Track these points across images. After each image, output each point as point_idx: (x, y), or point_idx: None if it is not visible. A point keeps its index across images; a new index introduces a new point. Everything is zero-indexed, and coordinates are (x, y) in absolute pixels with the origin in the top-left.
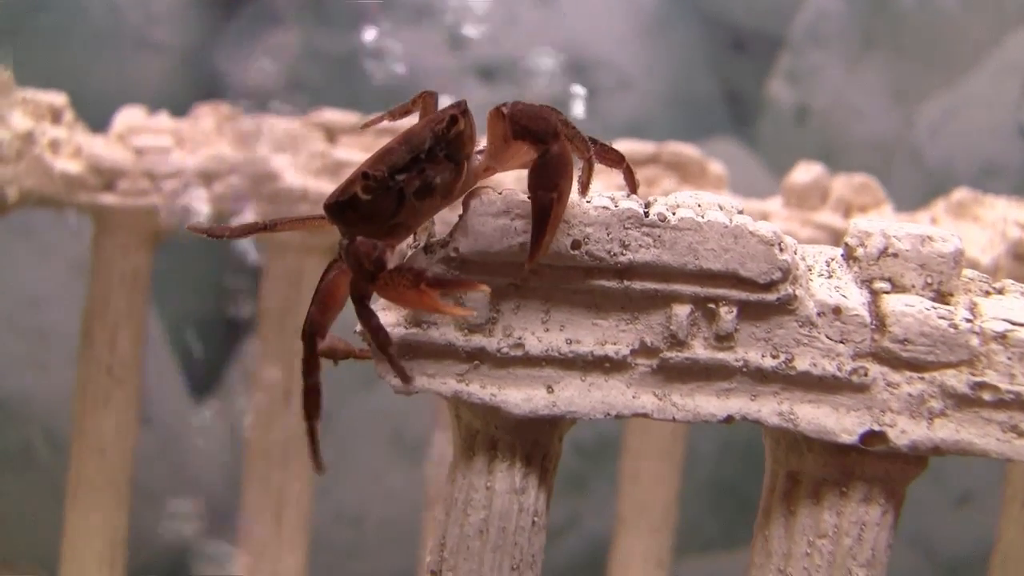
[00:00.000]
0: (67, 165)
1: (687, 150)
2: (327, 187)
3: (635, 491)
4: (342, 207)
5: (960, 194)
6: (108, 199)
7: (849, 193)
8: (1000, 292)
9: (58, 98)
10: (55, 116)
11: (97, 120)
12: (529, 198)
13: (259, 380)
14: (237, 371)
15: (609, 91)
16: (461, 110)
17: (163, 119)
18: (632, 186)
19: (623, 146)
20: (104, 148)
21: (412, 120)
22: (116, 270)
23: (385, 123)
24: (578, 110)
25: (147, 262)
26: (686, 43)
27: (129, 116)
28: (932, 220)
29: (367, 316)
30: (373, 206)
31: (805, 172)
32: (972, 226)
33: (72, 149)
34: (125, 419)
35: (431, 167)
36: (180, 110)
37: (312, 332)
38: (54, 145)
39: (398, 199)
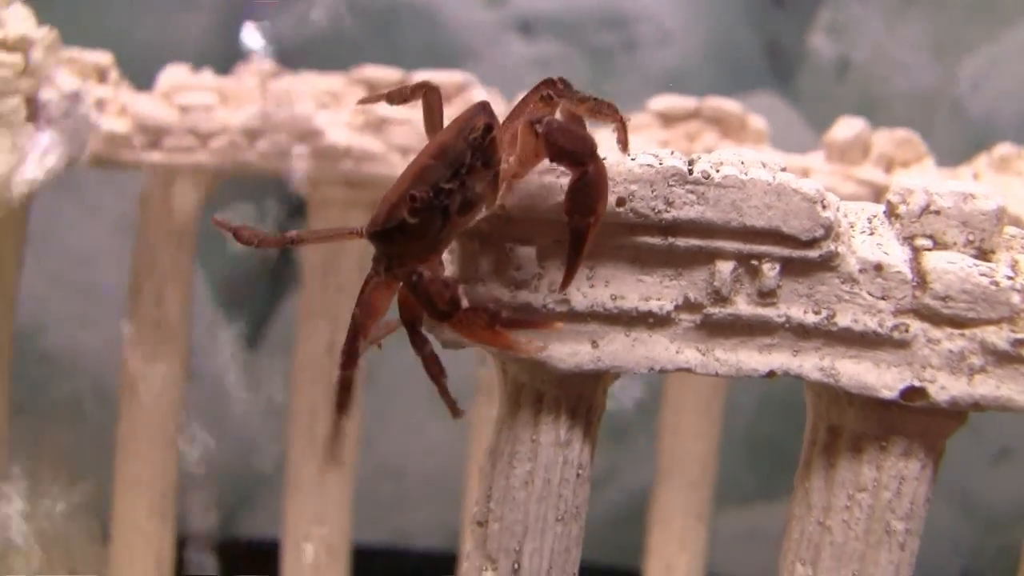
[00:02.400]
0: (113, 123)
1: (728, 105)
2: (369, 143)
3: (675, 445)
4: (390, 232)
5: (1003, 149)
6: (154, 156)
7: (891, 148)
8: None
9: (104, 57)
10: (101, 75)
11: (139, 79)
12: (567, 220)
13: (303, 334)
14: (281, 326)
15: (650, 45)
16: (489, 114)
17: (207, 77)
18: (624, 141)
19: (665, 101)
20: (150, 106)
21: (408, 109)
22: (163, 227)
23: (424, 77)
24: (619, 64)
25: (193, 219)
26: None
27: (173, 74)
28: (974, 175)
29: (420, 344)
30: (420, 227)
31: (846, 127)
32: (1015, 181)
33: (118, 108)
34: (173, 373)
35: (470, 178)
36: (221, 68)
37: (356, 332)
38: (100, 104)
39: (443, 216)
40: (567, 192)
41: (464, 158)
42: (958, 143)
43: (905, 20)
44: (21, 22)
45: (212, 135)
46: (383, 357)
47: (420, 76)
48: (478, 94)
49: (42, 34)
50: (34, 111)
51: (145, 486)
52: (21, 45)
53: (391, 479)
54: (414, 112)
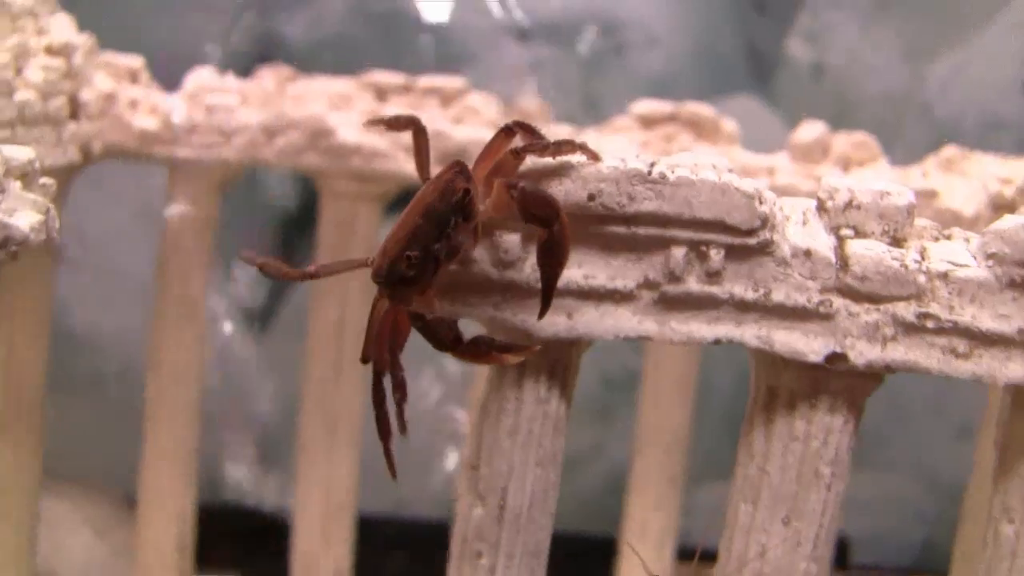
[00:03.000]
0: (144, 121)
1: (703, 109)
2: (377, 142)
3: (652, 416)
4: (392, 280)
5: (949, 151)
6: (181, 152)
7: (848, 149)
8: (948, 238)
9: (135, 61)
10: (133, 77)
11: (165, 82)
12: (539, 267)
13: (314, 311)
14: (291, 311)
15: (638, 49)
16: (467, 178)
17: (230, 79)
18: (594, 158)
19: (645, 106)
20: (178, 106)
21: (412, 112)
22: (187, 215)
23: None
24: (608, 66)
25: (215, 208)
26: (711, 3)
27: (199, 77)
28: (923, 174)
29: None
30: (416, 276)
31: (808, 130)
32: (959, 179)
33: (149, 107)
34: (194, 350)
35: (454, 233)
36: (238, 71)
37: (376, 370)
38: (133, 103)
39: (434, 263)
40: (539, 247)
41: (448, 218)
42: (925, 142)
43: (877, 27)
44: (64, 29)
45: (234, 132)
46: None
47: (424, 81)
48: (474, 99)
49: (82, 40)
50: (75, 109)
51: (170, 456)
52: (64, 50)
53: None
54: (418, 113)
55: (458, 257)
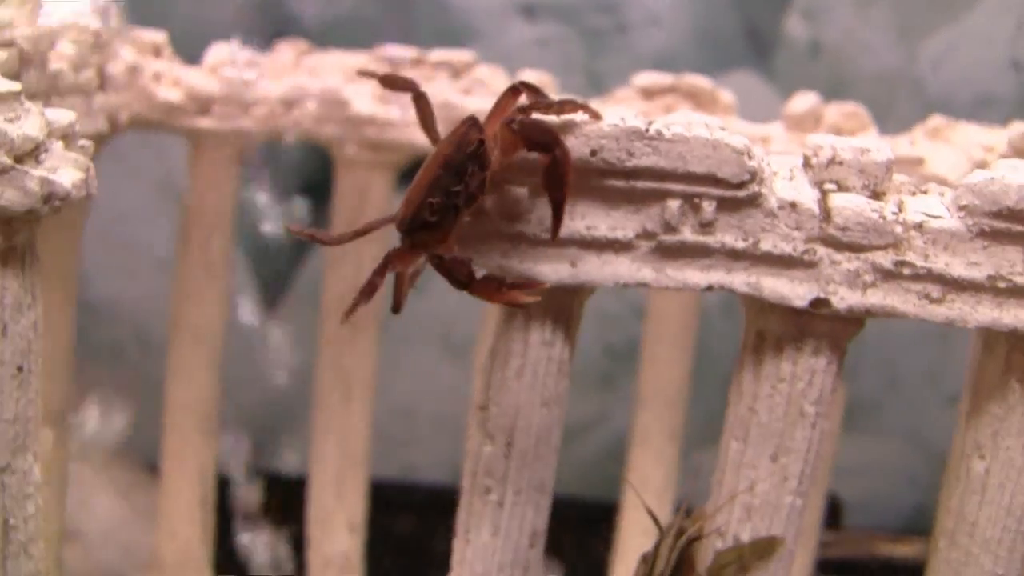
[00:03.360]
0: (168, 93)
1: (701, 81)
2: (391, 112)
3: (652, 373)
4: (415, 226)
5: (935, 120)
6: (203, 123)
7: (840, 119)
8: (924, 192)
9: (159, 36)
10: (157, 51)
11: (186, 55)
12: (547, 191)
13: (330, 277)
14: (306, 283)
15: (640, 27)
16: (480, 129)
17: (249, 53)
18: (596, 117)
19: (646, 78)
20: (199, 79)
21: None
22: (209, 183)
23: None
24: (611, 44)
25: (235, 176)
26: None
27: (219, 51)
28: (911, 142)
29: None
30: (438, 223)
31: (802, 101)
32: (944, 147)
33: (172, 80)
34: (216, 311)
35: (471, 180)
36: (255, 47)
37: (384, 266)
38: (157, 76)
39: (454, 210)
40: (543, 173)
41: (466, 167)
42: (918, 119)
43: (872, 6)
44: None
45: (253, 104)
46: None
47: (434, 55)
48: (482, 71)
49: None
50: (103, 81)
51: (192, 406)
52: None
53: (403, 419)
54: (428, 88)
55: (475, 205)
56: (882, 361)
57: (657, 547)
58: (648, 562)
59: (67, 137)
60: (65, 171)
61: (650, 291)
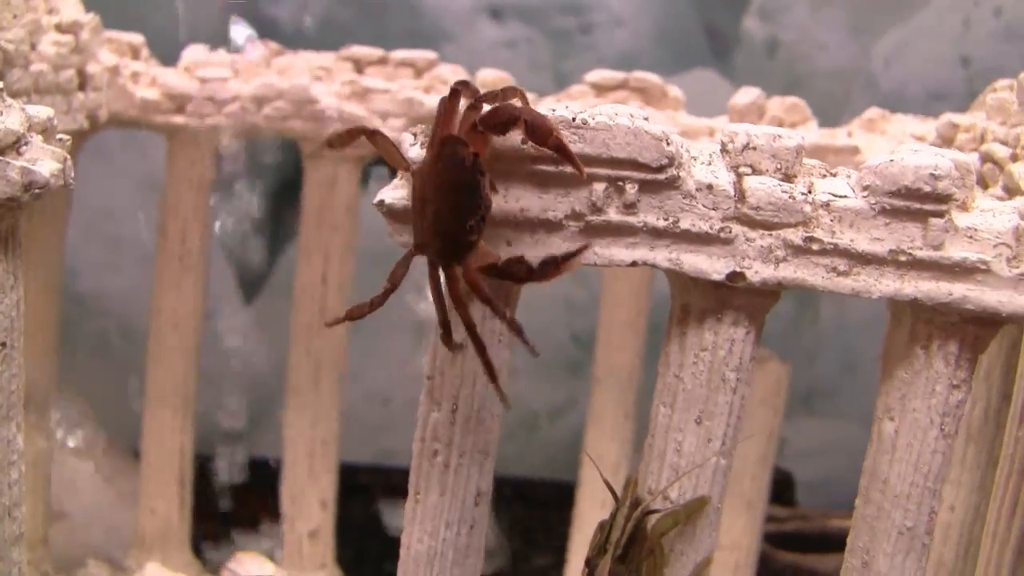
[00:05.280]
0: (145, 92)
1: (650, 77)
2: (356, 109)
3: (607, 356)
4: (459, 252)
5: (871, 112)
6: (179, 119)
7: (781, 112)
8: (833, 175)
9: (136, 38)
10: (135, 53)
11: (160, 58)
12: (550, 149)
13: (301, 267)
14: (280, 276)
15: (604, 28)
16: (463, 143)
17: (222, 54)
18: (525, 102)
19: (598, 74)
20: (175, 78)
21: (387, 81)
22: (185, 177)
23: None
24: (577, 45)
25: (210, 170)
26: None
27: (194, 52)
28: (848, 133)
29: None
30: (477, 238)
31: (745, 94)
32: (879, 137)
33: (149, 79)
34: (194, 300)
35: (483, 190)
36: (228, 49)
37: (469, 327)
38: (135, 76)
39: (484, 222)
40: (529, 137)
41: (477, 182)
42: None
43: (827, 6)
44: (72, 8)
45: (226, 102)
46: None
47: (397, 54)
48: (443, 70)
49: (88, 18)
50: (83, 81)
51: (170, 388)
52: (72, 28)
53: (378, 405)
54: (392, 84)
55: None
56: (840, 347)
57: (613, 516)
58: (604, 530)
59: (46, 131)
60: (44, 162)
61: (604, 278)
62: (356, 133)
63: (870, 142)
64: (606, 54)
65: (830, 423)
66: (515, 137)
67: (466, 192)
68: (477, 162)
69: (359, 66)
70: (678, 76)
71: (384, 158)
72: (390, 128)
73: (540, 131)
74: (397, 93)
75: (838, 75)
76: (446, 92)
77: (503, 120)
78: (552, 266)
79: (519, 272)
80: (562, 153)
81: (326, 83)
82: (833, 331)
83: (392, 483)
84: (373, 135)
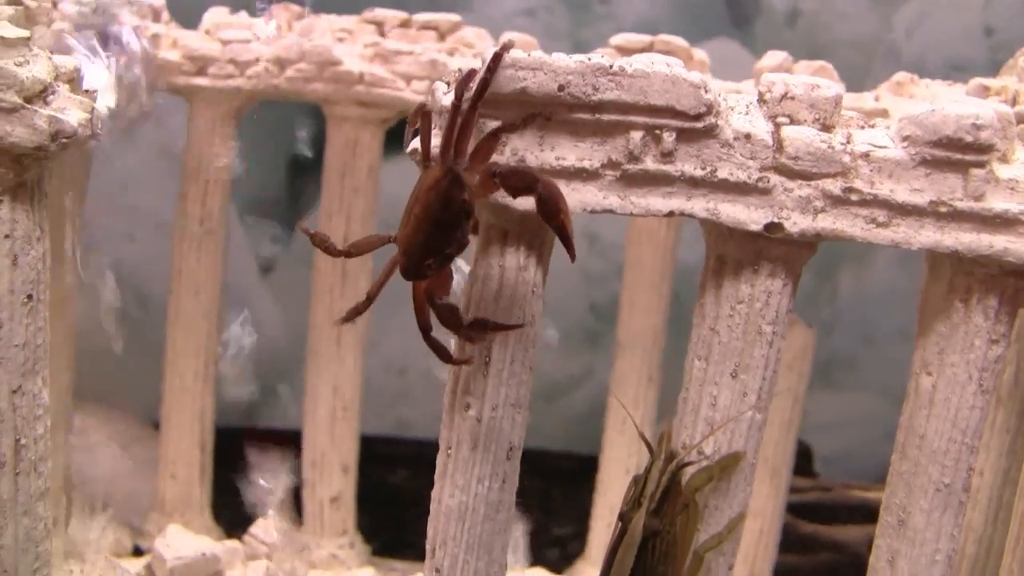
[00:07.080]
0: (167, 54)
1: (676, 40)
2: (379, 70)
3: (630, 320)
4: (419, 277)
5: (899, 76)
6: (200, 81)
7: (808, 75)
8: (872, 126)
9: (158, 1)
10: (156, 15)
11: (181, 21)
12: (548, 225)
13: (323, 228)
14: (302, 240)
15: None
16: (461, 187)
17: (243, 16)
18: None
19: (623, 38)
20: (196, 40)
21: (411, 44)
22: (206, 140)
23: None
24: (596, 13)
25: (232, 134)
26: None
27: (215, 14)
28: (876, 98)
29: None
30: (437, 271)
31: (772, 57)
32: (907, 101)
33: (170, 41)
34: (213, 263)
35: (460, 233)
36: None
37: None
38: (156, 38)
39: (448, 259)
40: (538, 210)
41: (456, 222)
42: None
43: None
44: None
45: (249, 64)
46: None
47: (421, 17)
48: (467, 32)
49: None
50: (105, 42)
51: (191, 352)
52: None
53: (396, 376)
54: (416, 45)
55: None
56: (858, 320)
57: (648, 470)
58: (639, 484)
59: (72, 81)
60: (72, 111)
61: (628, 242)
62: (418, 111)
63: (898, 105)
64: (624, 23)
65: (848, 396)
66: (550, 84)
67: (443, 232)
68: (466, 209)
69: (381, 29)
70: (698, 46)
71: (420, 136)
72: (413, 91)
73: (549, 208)
74: (421, 55)
75: (859, 45)
76: (470, 55)
77: (520, 185)
78: (480, 329)
79: (451, 320)
80: (561, 234)
81: (349, 44)
82: (852, 303)
83: (409, 454)
84: (426, 115)
